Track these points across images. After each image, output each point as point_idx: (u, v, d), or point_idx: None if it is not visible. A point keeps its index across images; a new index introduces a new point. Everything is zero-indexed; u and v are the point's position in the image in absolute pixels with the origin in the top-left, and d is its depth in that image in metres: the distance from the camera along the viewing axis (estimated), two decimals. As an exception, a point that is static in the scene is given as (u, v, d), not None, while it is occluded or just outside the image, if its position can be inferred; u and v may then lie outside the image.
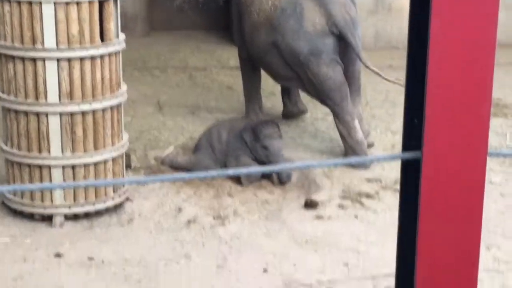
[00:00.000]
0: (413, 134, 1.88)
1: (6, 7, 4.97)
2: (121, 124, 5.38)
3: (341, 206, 5.61)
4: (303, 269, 4.72)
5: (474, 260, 1.91)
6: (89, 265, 4.75)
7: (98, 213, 5.36)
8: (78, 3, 4.92)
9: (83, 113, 5.10)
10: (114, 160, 5.32)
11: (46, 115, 5.06)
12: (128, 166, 6.00)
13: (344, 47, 6.38)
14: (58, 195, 5.22)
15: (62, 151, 5.13)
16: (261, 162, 6.02)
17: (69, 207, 5.24)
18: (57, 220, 5.23)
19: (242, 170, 2.10)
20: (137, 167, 6.21)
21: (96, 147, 5.19)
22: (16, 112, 5.13)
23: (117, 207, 5.45)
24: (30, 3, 4.89)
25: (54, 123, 5.08)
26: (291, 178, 5.97)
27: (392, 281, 4.35)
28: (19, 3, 4.92)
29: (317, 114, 7.59)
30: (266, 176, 6.02)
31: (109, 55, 5.14)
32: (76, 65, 5.01)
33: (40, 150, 5.14)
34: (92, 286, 4.50)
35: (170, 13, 11.30)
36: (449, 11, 1.78)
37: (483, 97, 1.82)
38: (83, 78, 5.04)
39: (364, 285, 4.53)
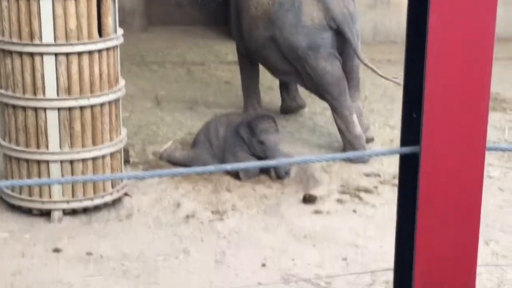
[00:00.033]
0: (411, 129, 1.88)
1: (4, 3, 4.96)
2: (119, 119, 5.38)
3: (339, 201, 5.61)
4: (302, 264, 4.72)
5: (472, 255, 1.92)
6: (88, 260, 4.75)
7: (97, 208, 5.36)
8: (76, -2, 4.91)
9: (81, 108, 5.09)
10: (112, 155, 5.32)
11: (44, 110, 5.06)
12: (127, 161, 6.00)
13: (343, 42, 6.38)
14: (56, 190, 5.21)
15: (60, 146, 5.13)
16: (258, 157, 6.02)
17: (68, 202, 5.24)
18: (56, 215, 5.23)
19: (240, 165, 2.10)
20: (135, 162, 6.21)
21: (94, 142, 5.19)
22: (14, 107, 5.13)
23: (116, 202, 5.45)
24: (28, -2, 4.89)
25: (52, 118, 5.07)
26: (289, 173, 5.96)
27: (390, 276, 4.35)
28: (16, -2, 4.91)
29: (315, 108, 7.58)
30: (265, 171, 6.02)
31: (107, 50, 5.13)
32: (74, 60, 5.00)
33: (38, 145, 5.13)
34: (90, 281, 4.50)
35: (168, 8, 11.31)
36: (447, 6, 1.77)
37: (481, 92, 1.82)
38: (81, 73, 5.04)
39: (363, 280, 4.53)
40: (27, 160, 5.19)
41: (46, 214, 5.27)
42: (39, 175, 5.13)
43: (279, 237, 5.07)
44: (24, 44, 4.96)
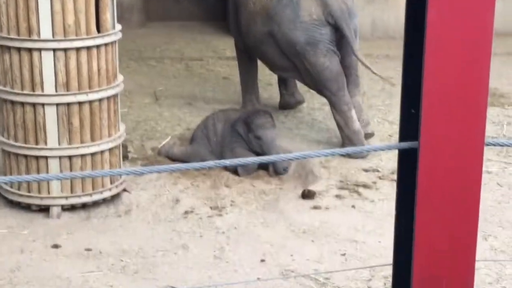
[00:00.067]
0: (410, 124, 1.88)
1: (2, -2, 4.96)
2: (117, 115, 5.37)
3: (338, 196, 5.61)
4: (301, 259, 4.72)
5: (471, 250, 1.92)
6: (87, 256, 4.75)
7: (95, 204, 5.36)
8: (74, -6, 4.91)
9: (80, 104, 5.09)
10: (111, 151, 5.32)
11: (43, 106, 5.05)
12: (125, 157, 6.00)
13: (341, 37, 6.37)
14: (55, 186, 5.21)
15: (59, 142, 5.12)
16: (256, 153, 6.02)
17: (66, 198, 5.24)
18: (54, 211, 5.23)
19: (239, 161, 2.10)
20: (134, 158, 6.21)
21: (93, 138, 5.19)
22: (13, 103, 5.12)
23: (114, 198, 5.45)
24: (26, -6, 4.88)
25: (50, 114, 5.07)
26: (288, 170, 5.95)
27: (389, 271, 4.36)
28: (15, -6, 4.91)
29: (314, 104, 7.58)
30: (263, 167, 6.01)
31: (106, 45, 5.13)
32: (73, 56, 5.00)
33: (37, 141, 5.13)
34: (89, 277, 4.50)
35: (166, 4, 11.29)
36: (446, 1, 1.77)
37: (480, 87, 1.82)
38: (79, 68, 5.03)
39: (362, 275, 4.54)
40: (25, 156, 5.18)
41: (45, 210, 5.27)
42: (38, 171, 5.13)
43: (278, 233, 5.08)
44: (22, 39, 4.95)
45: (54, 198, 5.23)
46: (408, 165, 1.89)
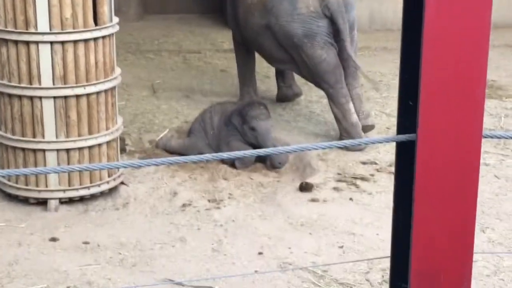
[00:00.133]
0: (408, 117, 1.88)
1: (-1, -9, 4.95)
2: (115, 108, 5.37)
3: (336, 189, 5.61)
4: (298, 252, 4.72)
5: (469, 242, 1.92)
6: (85, 249, 4.75)
7: (93, 197, 5.36)
8: (71, -13, 4.90)
9: (77, 97, 5.09)
10: (108, 144, 5.32)
11: (40, 99, 5.05)
12: (123, 150, 6.00)
13: (337, 30, 6.36)
14: (52, 179, 5.21)
15: (56, 135, 5.12)
16: (251, 145, 6.01)
17: (64, 191, 5.24)
18: (52, 204, 5.23)
19: (237, 154, 2.10)
20: (131, 151, 6.20)
21: (90, 131, 5.19)
22: (10, 96, 5.12)
23: (112, 191, 5.44)
24: (23, -13, 4.87)
25: (48, 107, 5.06)
26: (283, 164, 5.93)
27: (387, 263, 4.36)
28: (11, -14, 4.89)
29: (311, 96, 7.58)
30: (261, 160, 6.01)
31: (103, 38, 5.12)
32: (70, 49, 4.99)
33: (34, 134, 5.13)
34: (87, 270, 4.50)
35: (164, -4, 11.27)
36: (443, -8, 1.77)
37: (477, 79, 1.81)
38: (76, 61, 5.03)
39: (359, 268, 4.54)
40: (23, 149, 5.18)
41: (42, 203, 5.27)
42: (35, 164, 5.12)
43: (276, 226, 5.08)
44: (20, 32, 4.94)
45: (51, 191, 5.23)
46: (406, 158, 1.89)
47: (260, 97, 7.31)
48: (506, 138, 2.02)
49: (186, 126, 6.64)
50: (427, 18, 1.75)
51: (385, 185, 5.65)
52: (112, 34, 5.21)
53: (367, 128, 6.48)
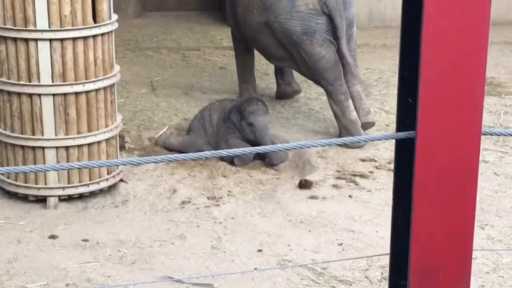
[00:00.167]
0: (407, 114, 1.88)
1: (-2, -12, 4.95)
2: (114, 105, 5.37)
3: (335, 186, 5.61)
4: (298, 249, 4.73)
5: (468, 239, 1.92)
6: (84, 246, 4.75)
7: (92, 195, 5.36)
8: (70, -16, 4.89)
9: (76, 94, 5.08)
10: (108, 141, 5.31)
11: (39, 96, 5.05)
12: (122, 147, 6.00)
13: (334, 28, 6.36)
14: (52, 177, 5.21)
15: (56, 133, 5.12)
16: (249, 141, 6.01)
17: (63, 188, 5.24)
18: (51, 201, 5.23)
19: (236, 151, 2.10)
20: (131, 148, 6.20)
21: (89, 129, 5.18)
22: (9, 93, 5.12)
23: (111, 189, 5.44)
24: (22, -16, 4.87)
25: (47, 105, 5.06)
26: (281, 160, 5.92)
27: (386, 260, 4.37)
28: (10, -16, 4.89)
29: (311, 94, 7.58)
30: (260, 157, 6.01)
31: (102, 35, 5.12)
32: (69, 46, 4.99)
33: (33, 132, 5.13)
34: (86, 267, 4.50)
35: (163, -6, 11.26)
36: (443, -11, 1.77)
37: (477, 76, 1.81)
38: (75, 59, 5.02)
39: (359, 265, 4.54)
40: (22, 147, 5.18)
41: (42, 200, 5.27)
42: (35, 162, 5.12)
43: (275, 223, 5.08)
44: (19, 30, 4.94)
45: (51, 188, 5.23)
46: (405, 155, 1.89)
47: (259, 94, 7.31)
48: (505, 135, 2.02)
49: (185, 123, 6.64)
50: (426, 15, 1.75)
51: (385, 182, 5.65)
52: (111, 31, 5.21)
53: (367, 125, 6.47)
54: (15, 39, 4.98)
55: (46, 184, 5.23)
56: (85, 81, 5.07)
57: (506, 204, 5.35)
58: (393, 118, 6.77)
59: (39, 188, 5.24)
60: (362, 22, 9.67)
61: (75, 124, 5.13)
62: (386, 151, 6.16)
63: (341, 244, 4.80)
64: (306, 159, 5.97)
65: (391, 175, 5.43)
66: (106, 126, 5.27)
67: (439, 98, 1.80)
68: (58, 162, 5.13)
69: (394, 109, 6.58)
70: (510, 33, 9.71)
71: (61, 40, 4.96)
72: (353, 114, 6.35)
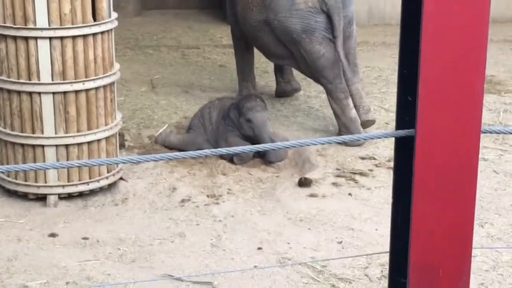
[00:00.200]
0: (407, 112, 1.88)
1: (-3, -14, 4.95)
2: (114, 103, 5.37)
3: (335, 184, 5.62)
4: (297, 247, 4.73)
5: (467, 237, 1.92)
6: (84, 244, 4.75)
7: (92, 193, 5.36)
8: (69, -18, 4.89)
9: (76, 93, 5.08)
10: (107, 139, 5.32)
11: (39, 94, 5.05)
12: (122, 145, 6.00)
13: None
14: (51, 175, 5.21)
15: (56, 131, 5.12)
16: (248, 138, 6.01)
17: (63, 187, 5.24)
18: (51, 200, 5.23)
19: (235, 149, 2.10)
20: (130, 146, 6.20)
21: (89, 127, 5.18)
22: (9, 91, 5.11)
23: (111, 187, 5.45)
24: (22, -18, 4.87)
25: (47, 103, 5.06)
26: (281, 158, 5.92)
27: (386, 258, 4.37)
28: (10, -18, 4.89)
29: (310, 92, 7.58)
30: (260, 155, 6.01)
31: (102, 34, 5.12)
32: (69, 44, 4.99)
33: (33, 130, 5.13)
34: (86, 265, 4.50)
35: (163, -8, 11.26)
36: (442, -12, 1.77)
37: (476, 74, 1.81)
38: (75, 57, 5.02)
39: (358, 263, 4.54)
40: (22, 145, 5.18)
41: (41, 198, 5.27)
42: (35, 160, 5.13)
43: (275, 221, 5.08)
44: (18, 28, 4.94)
45: (51, 187, 5.23)
46: (405, 153, 1.89)
47: (259, 92, 7.31)
48: (505, 133, 2.02)
49: (185, 121, 6.64)
50: (426, 12, 1.75)
51: (384, 180, 5.65)
52: (111, 29, 5.21)
53: (367, 123, 6.47)
54: (15, 37, 4.98)
55: (46, 182, 5.23)
56: (85, 79, 5.07)
57: (505, 202, 5.35)
58: (392, 116, 6.77)
59: (39, 186, 5.24)
60: (361, 19, 9.67)
61: (75, 122, 5.13)
62: (386, 149, 6.17)
63: (340, 242, 4.80)
64: (306, 157, 5.98)
65: (390, 173, 5.43)
66: (106, 124, 5.27)
67: (439, 96, 1.80)
68: (58, 160, 5.13)
69: (393, 107, 6.58)
70: (509, 31, 9.72)
71: (61, 38, 4.96)
72: (353, 112, 6.35)
